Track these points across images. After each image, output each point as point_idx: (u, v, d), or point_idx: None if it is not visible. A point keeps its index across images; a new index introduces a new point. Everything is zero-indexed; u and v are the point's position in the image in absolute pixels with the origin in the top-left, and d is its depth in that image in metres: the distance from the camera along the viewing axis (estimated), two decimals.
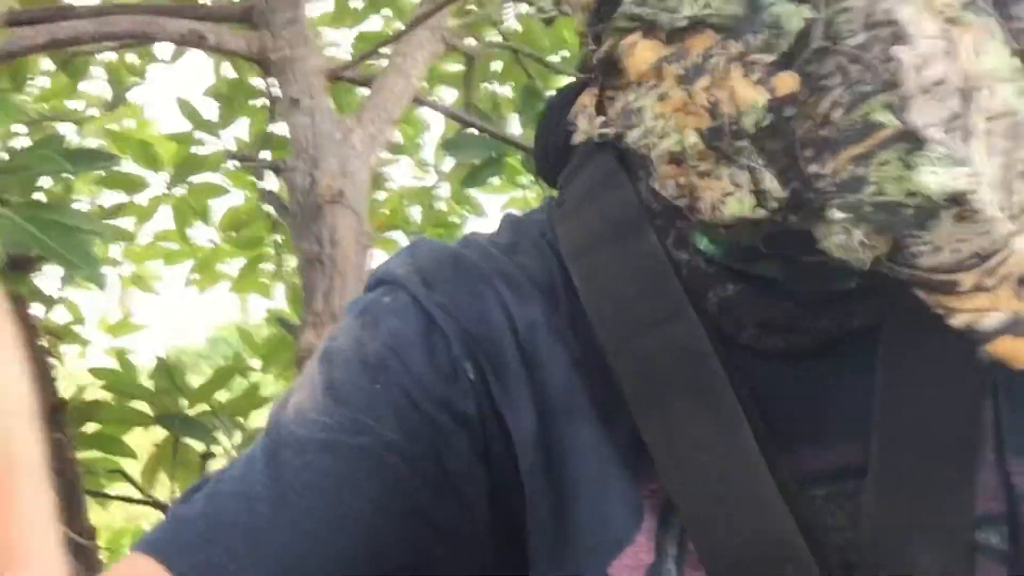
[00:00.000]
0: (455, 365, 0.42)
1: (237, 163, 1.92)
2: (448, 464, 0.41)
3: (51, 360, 1.57)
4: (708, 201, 0.37)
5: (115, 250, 2.29)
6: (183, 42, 1.44)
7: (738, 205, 0.36)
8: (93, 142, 2.14)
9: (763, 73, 0.35)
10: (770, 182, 0.35)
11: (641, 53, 0.38)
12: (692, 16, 0.36)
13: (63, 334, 1.79)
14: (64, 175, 1.50)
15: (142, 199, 2.09)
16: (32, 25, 1.32)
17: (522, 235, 0.47)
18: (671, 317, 0.40)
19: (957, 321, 0.34)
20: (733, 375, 0.39)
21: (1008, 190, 0.34)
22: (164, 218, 2.17)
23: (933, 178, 0.33)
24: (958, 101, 0.34)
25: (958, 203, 0.33)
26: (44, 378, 1.47)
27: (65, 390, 1.62)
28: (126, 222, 2.14)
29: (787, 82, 0.34)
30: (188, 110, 1.97)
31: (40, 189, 1.38)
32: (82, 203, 2.08)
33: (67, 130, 2.04)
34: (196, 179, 2.08)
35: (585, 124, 0.44)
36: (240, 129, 1.99)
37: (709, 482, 0.39)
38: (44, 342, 1.62)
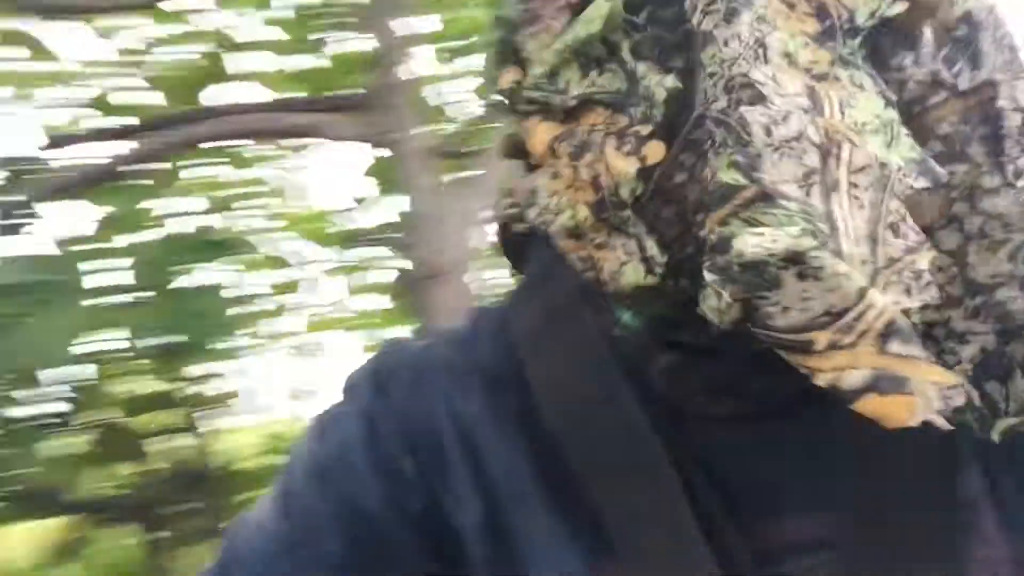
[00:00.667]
0: (396, 464, 0.43)
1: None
2: (397, 566, 0.43)
3: (204, 430, 1.70)
4: (608, 272, 0.37)
5: (290, 321, 2.48)
6: (304, 134, 1.55)
7: (633, 273, 0.36)
8: (259, 223, 2.34)
9: (634, 144, 0.35)
10: (652, 248, 0.35)
11: (539, 135, 0.38)
12: (580, 95, 0.37)
13: (215, 405, 1.94)
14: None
15: (306, 272, 2.25)
16: (171, 128, 1.48)
17: (481, 326, 0.47)
18: (607, 399, 0.40)
19: (820, 381, 0.33)
20: (683, 448, 0.39)
21: (874, 242, 0.34)
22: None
23: (757, 239, 0.33)
24: (816, 156, 0.34)
25: (796, 262, 0.33)
26: (197, 449, 1.60)
27: (221, 459, 1.75)
28: (295, 297, 2.31)
29: (655, 150, 0.35)
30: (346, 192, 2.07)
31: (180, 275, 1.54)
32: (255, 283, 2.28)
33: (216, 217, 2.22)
34: (351, 254, 2.22)
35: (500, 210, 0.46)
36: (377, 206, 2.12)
37: (650, 566, 0.39)
38: (196, 414, 1.76)
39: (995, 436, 0.35)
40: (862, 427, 0.35)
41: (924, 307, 0.34)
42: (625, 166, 0.36)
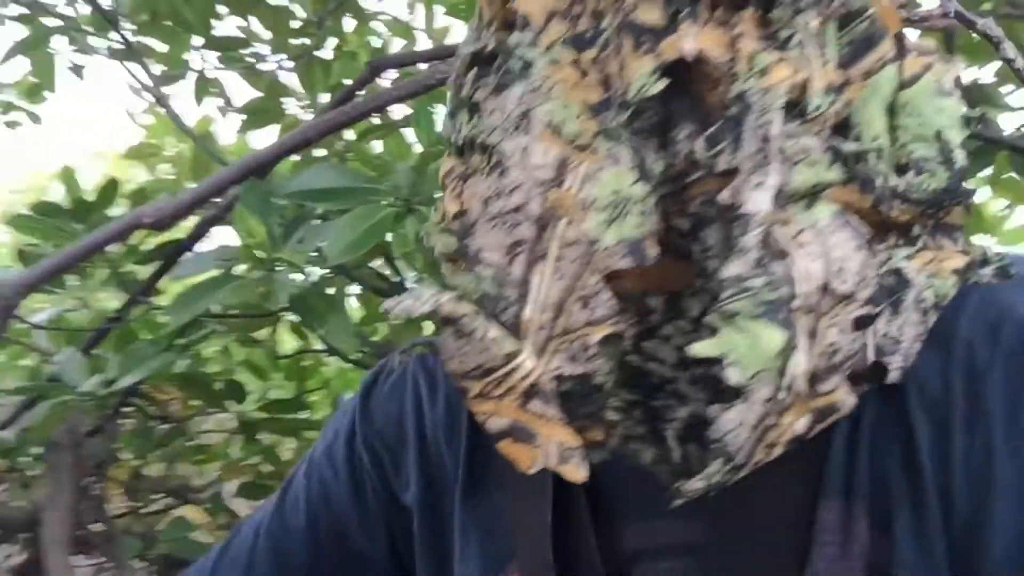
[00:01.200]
0: (362, 454, 0.56)
1: None
2: (350, 541, 0.56)
3: None
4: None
5: None
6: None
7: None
8: None
9: (455, 187, 0.44)
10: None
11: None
12: (465, 136, 0.43)
13: None
14: None
15: None
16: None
17: None
18: None
19: (477, 418, 0.41)
20: None
21: (559, 312, 0.40)
22: None
23: (429, 299, 0.40)
24: (532, 229, 0.40)
25: (451, 323, 0.40)
26: None
27: None
28: None
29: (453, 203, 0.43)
30: None
31: None
32: None
33: None
34: None
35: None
36: None
37: (523, 563, 0.49)
38: None
39: (680, 490, 0.39)
40: None
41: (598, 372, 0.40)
42: (452, 208, 0.43)
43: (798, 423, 0.40)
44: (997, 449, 0.41)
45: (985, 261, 0.46)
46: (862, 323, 0.41)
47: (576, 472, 0.40)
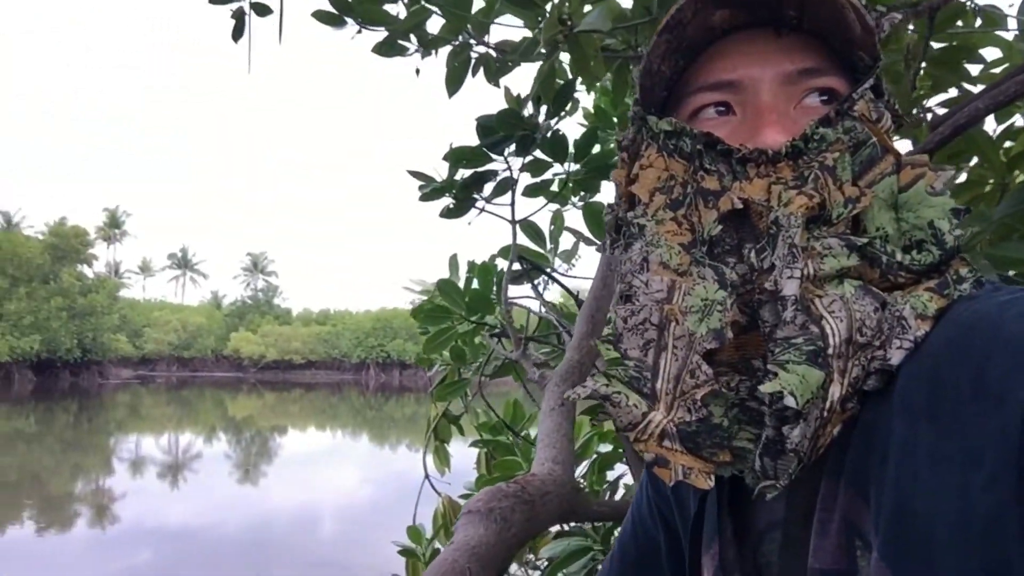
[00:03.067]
0: (646, 486, 0.90)
1: None
2: (651, 543, 0.88)
3: None
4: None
5: None
6: None
7: None
8: None
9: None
10: None
11: None
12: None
13: None
14: None
15: None
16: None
17: None
18: None
19: (639, 454, 0.60)
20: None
21: (677, 381, 0.59)
22: None
23: (585, 387, 0.61)
24: (655, 332, 0.60)
25: (606, 399, 0.60)
26: None
27: None
28: None
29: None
30: None
31: None
32: None
33: None
34: None
35: None
36: None
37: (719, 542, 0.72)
38: None
39: (755, 490, 0.58)
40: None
41: (706, 412, 0.58)
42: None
43: (835, 431, 0.57)
44: (944, 433, 0.49)
45: (960, 279, 0.58)
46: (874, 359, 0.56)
47: (701, 482, 0.58)
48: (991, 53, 1.79)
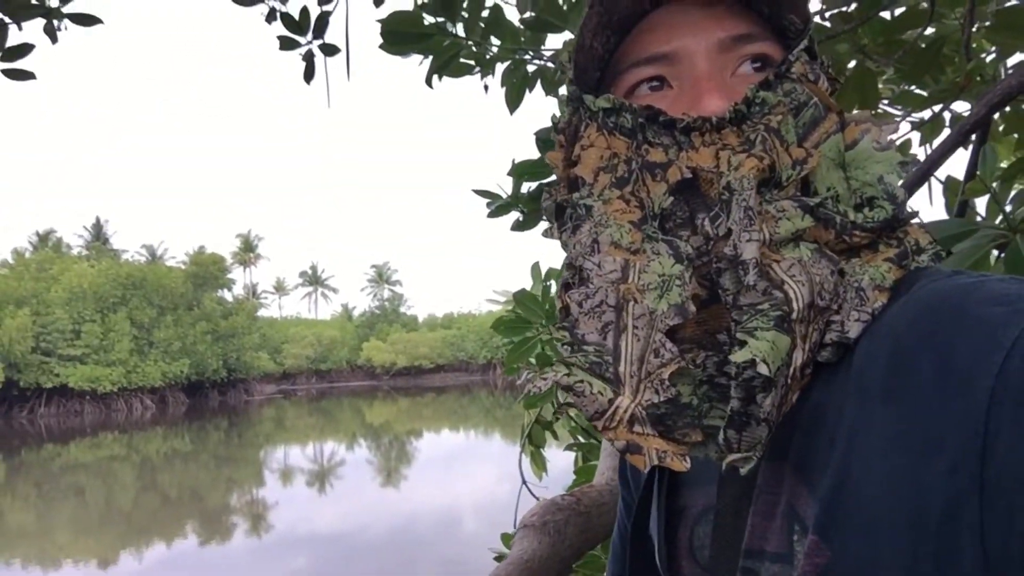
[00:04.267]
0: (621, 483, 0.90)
1: None
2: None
3: None
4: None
5: None
6: None
7: None
8: None
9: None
10: None
11: None
12: None
13: None
14: None
15: None
16: None
17: None
18: None
19: (609, 443, 0.58)
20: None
21: (641, 362, 0.56)
22: None
23: (546, 376, 0.57)
24: (613, 313, 0.57)
25: (567, 389, 0.56)
26: None
27: None
28: None
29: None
30: None
31: None
32: None
33: None
34: None
35: None
36: None
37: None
38: None
39: (723, 465, 0.55)
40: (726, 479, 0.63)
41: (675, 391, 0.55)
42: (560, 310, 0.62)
43: (793, 398, 0.54)
44: (901, 416, 0.47)
45: (920, 250, 0.57)
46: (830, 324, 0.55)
47: (677, 465, 0.55)
48: None
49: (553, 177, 2.08)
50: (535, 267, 2.55)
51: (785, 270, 0.54)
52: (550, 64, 2.18)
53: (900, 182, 0.58)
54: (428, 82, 2.01)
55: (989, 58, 1.67)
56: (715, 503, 0.64)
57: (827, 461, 0.51)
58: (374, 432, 30.64)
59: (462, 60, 2.10)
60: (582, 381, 0.56)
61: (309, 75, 2.30)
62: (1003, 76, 1.51)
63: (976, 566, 0.42)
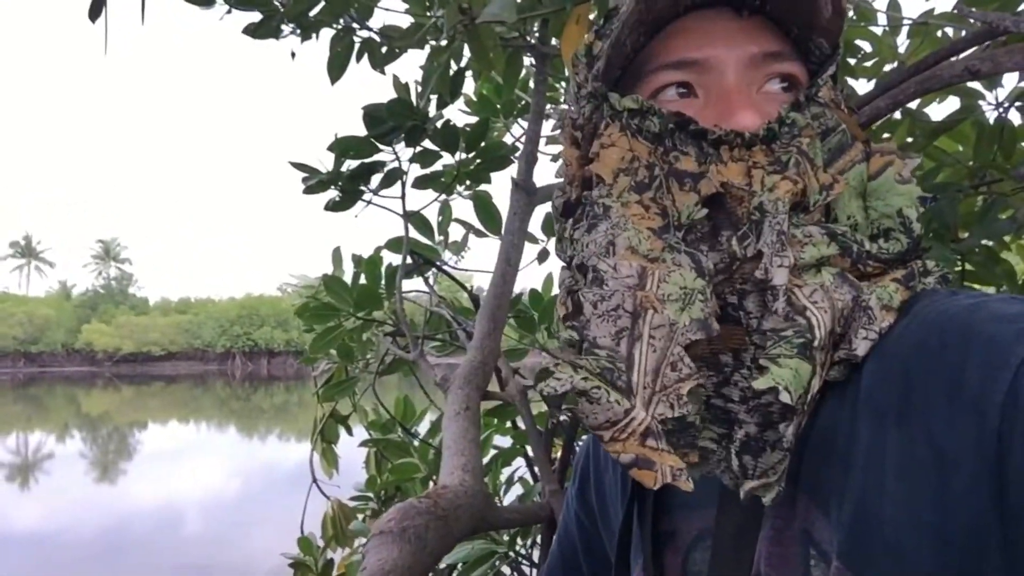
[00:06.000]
0: (576, 509, 0.87)
1: None
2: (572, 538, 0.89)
3: None
4: None
5: None
6: (961, 81, 1.26)
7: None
8: None
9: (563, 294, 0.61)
10: None
11: None
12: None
13: None
14: None
15: None
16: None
17: None
18: None
19: (613, 456, 0.53)
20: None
21: (656, 375, 0.53)
22: None
23: (555, 381, 0.53)
24: (628, 319, 0.54)
25: (582, 394, 0.53)
26: None
27: None
28: None
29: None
30: None
31: None
32: None
33: None
34: None
35: None
36: None
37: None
38: None
39: (741, 493, 0.53)
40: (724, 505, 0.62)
41: (685, 409, 0.53)
42: (562, 311, 0.59)
43: (802, 421, 0.54)
44: (915, 438, 0.47)
45: (927, 272, 0.58)
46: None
47: (686, 484, 0.52)
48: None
49: (381, 157, 1.98)
50: (336, 252, 2.40)
51: (807, 296, 0.53)
52: (376, 37, 2.06)
53: (917, 216, 0.58)
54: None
55: None
56: (710, 527, 0.63)
57: (844, 486, 0.51)
58: (91, 423, 27.92)
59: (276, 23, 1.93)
60: (599, 387, 0.53)
61: (95, 12, 1.99)
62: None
63: None
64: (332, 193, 1.96)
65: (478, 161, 2.00)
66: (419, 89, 1.88)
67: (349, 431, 2.38)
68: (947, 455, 0.45)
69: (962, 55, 1.20)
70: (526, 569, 1.76)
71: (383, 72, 2.04)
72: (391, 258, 2.18)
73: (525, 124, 2.54)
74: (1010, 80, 1.92)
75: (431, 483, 1.91)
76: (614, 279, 0.56)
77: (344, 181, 1.92)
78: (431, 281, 2.24)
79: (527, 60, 2.07)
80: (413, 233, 2.11)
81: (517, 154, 1.91)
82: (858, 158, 0.59)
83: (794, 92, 0.61)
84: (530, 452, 2.00)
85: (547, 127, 1.97)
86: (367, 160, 1.94)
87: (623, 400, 0.53)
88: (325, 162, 1.93)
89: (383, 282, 2.13)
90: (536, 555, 1.77)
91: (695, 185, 0.57)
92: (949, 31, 1.88)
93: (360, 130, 1.89)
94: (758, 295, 0.54)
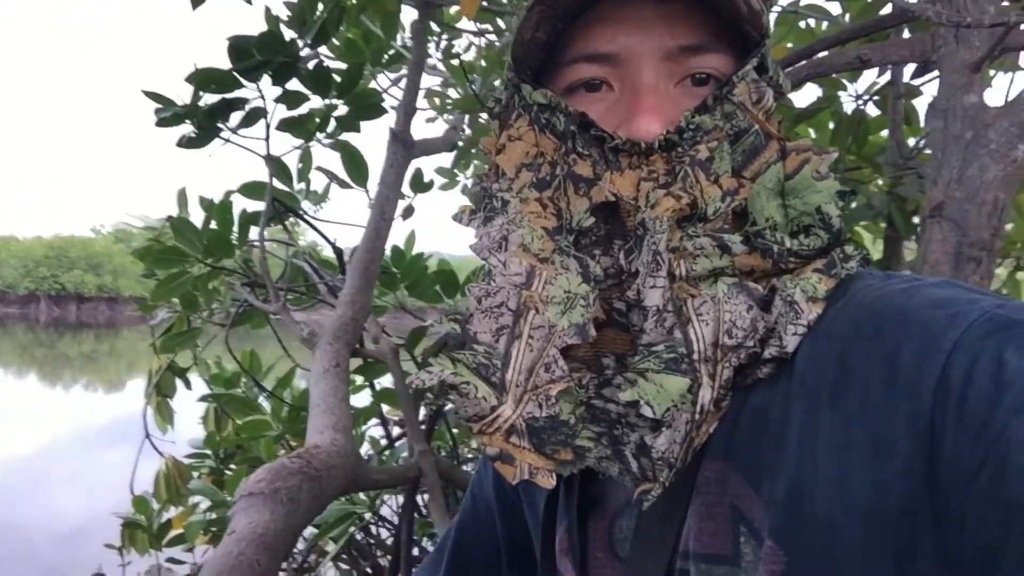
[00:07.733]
0: (490, 488, 0.84)
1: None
2: (491, 524, 0.83)
3: None
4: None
5: None
6: (852, 68, 1.28)
7: None
8: None
9: None
10: None
11: None
12: None
13: None
14: None
15: None
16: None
17: None
18: None
19: (481, 447, 0.56)
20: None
21: (530, 374, 0.56)
22: None
23: (428, 373, 0.55)
24: (510, 318, 0.56)
25: (452, 388, 0.55)
26: None
27: None
28: None
29: None
30: None
31: None
32: None
33: None
34: None
35: None
36: None
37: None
38: None
39: (643, 493, 0.54)
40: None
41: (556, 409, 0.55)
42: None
43: (711, 428, 0.55)
44: (851, 419, 0.48)
45: (847, 257, 0.58)
46: (751, 357, 0.54)
47: (545, 481, 0.56)
48: None
49: (244, 94, 1.84)
50: (181, 194, 2.23)
51: (695, 307, 0.54)
52: None
53: (837, 212, 0.59)
54: None
55: None
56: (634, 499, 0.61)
57: (776, 464, 0.51)
58: None
59: None
60: (468, 383, 0.55)
61: None
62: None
63: (935, 563, 0.44)
64: (187, 128, 1.81)
65: (349, 108, 1.90)
66: (291, 23, 1.76)
67: (188, 385, 2.23)
68: (883, 437, 0.46)
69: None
70: (384, 532, 1.73)
71: (249, 2, 1.90)
72: (242, 204, 2.05)
73: (392, 75, 2.46)
74: (869, 75, 2.05)
75: (284, 441, 1.82)
76: (503, 275, 0.57)
77: (201, 116, 1.78)
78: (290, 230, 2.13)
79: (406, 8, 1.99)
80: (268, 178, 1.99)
81: (395, 105, 1.84)
82: (773, 158, 0.59)
83: (709, 88, 0.59)
84: (385, 411, 1.96)
85: (427, 80, 1.90)
86: (228, 96, 1.80)
87: (491, 397, 0.55)
88: (184, 97, 1.78)
89: (235, 228, 2.00)
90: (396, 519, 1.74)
91: (588, 191, 0.57)
92: (811, 22, 1.98)
93: (225, 64, 1.75)
94: (638, 309, 0.55)
